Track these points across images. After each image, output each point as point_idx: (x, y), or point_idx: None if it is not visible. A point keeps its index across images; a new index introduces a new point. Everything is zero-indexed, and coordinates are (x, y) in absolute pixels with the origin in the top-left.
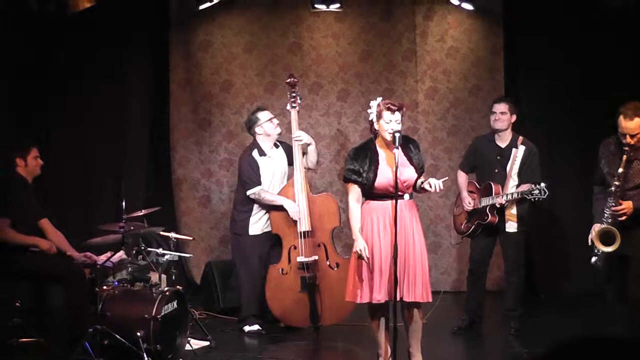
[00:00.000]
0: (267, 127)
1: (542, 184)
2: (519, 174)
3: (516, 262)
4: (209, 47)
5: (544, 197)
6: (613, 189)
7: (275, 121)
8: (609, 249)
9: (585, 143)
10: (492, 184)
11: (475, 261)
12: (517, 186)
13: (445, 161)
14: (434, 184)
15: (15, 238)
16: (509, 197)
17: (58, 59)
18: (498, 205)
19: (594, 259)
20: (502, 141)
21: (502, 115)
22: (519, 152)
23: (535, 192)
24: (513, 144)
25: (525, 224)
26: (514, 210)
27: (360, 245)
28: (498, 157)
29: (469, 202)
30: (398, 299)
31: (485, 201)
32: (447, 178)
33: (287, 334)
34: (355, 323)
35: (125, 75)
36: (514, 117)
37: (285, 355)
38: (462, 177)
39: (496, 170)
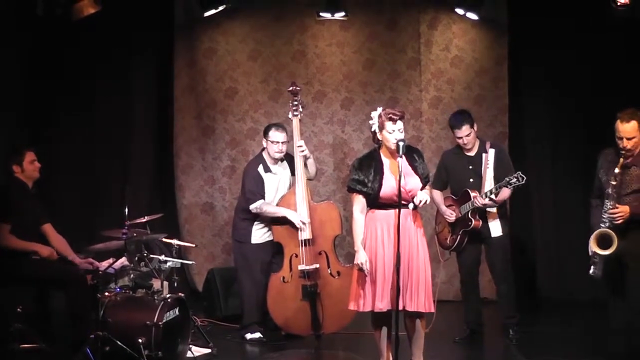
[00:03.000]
0: (270, 147)
1: (518, 172)
2: (495, 177)
3: (504, 269)
4: (214, 54)
5: (524, 182)
6: (609, 190)
7: (281, 147)
8: (607, 252)
9: (589, 152)
10: (468, 190)
11: (465, 272)
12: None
13: None
14: (420, 199)
15: (16, 245)
16: (488, 194)
17: (62, 66)
18: (479, 205)
19: (592, 269)
20: (471, 150)
21: (468, 137)
22: (489, 156)
23: (512, 180)
24: (482, 150)
25: (506, 223)
26: (494, 210)
27: (361, 258)
28: (470, 167)
29: (450, 214)
30: (401, 308)
31: (466, 207)
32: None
33: (289, 341)
34: (356, 331)
35: (130, 82)
36: (476, 127)
37: None
38: (437, 194)
39: (471, 180)
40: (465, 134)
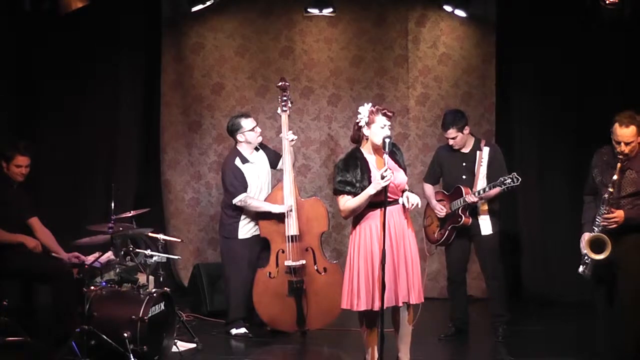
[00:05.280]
0: (249, 135)
1: (514, 173)
2: (487, 175)
3: (494, 267)
4: (201, 49)
5: (518, 183)
6: (606, 196)
7: (258, 129)
8: (600, 257)
9: (576, 150)
10: (461, 187)
11: (453, 269)
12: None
13: None
14: (412, 202)
15: (1, 236)
16: (481, 192)
17: (50, 60)
18: (470, 202)
19: (581, 268)
20: (465, 147)
21: (455, 139)
22: (484, 154)
23: (507, 180)
24: (476, 148)
25: (498, 221)
26: (485, 206)
27: (378, 178)
28: (464, 164)
29: (440, 209)
30: (401, 303)
31: (457, 203)
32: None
33: (274, 337)
34: (341, 328)
35: (117, 77)
36: (467, 129)
37: (271, 359)
38: (429, 189)
39: (464, 177)
40: (452, 136)
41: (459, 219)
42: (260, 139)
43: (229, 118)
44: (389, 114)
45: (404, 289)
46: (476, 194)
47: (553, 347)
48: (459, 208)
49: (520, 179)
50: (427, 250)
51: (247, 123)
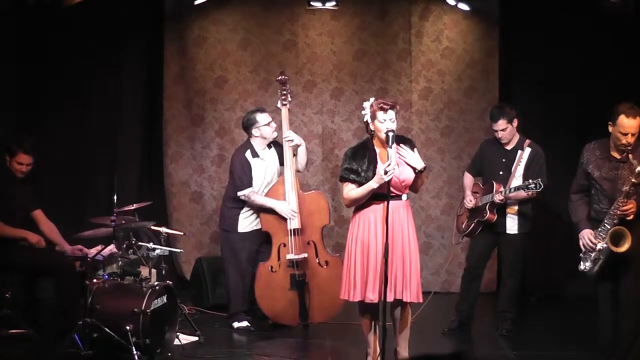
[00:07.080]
0: (264, 130)
1: (539, 179)
2: (524, 176)
3: (514, 265)
4: (204, 42)
5: (539, 189)
6: (626, 188)
7: (274, 124)
8: (622, 249)
9: (579, 145)
10: (494, 182)
11: (472, 262)
12: None
13: (437, 162)
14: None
15: (4, 231)
16: (507, 192)
17: (52, 54)
18: (497, 201)
19: (586, 264)
20: (509, 144)
21: (504, 131)
22: (524, 154)
23: (531, 185)
24: (519, 147)
25: (526, 223)
26: (515, 207)
27: (381, 171)
28: (503, 160)
29: (470, 200)
30: (392, 299)
31: (486, 198)
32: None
33: (276, 331)
34: (344, 321)
35: (119, 70)
36: (516, 122)
37: (273, 352)
38: (468, 179)
39: (500, 172)
40: (501, 128)
41: (484, 214)
42: (275, 134)
43: (240, 112)
44: (385, 107)
45: (399, 286)
46: (502, 192)
47: (555, 342)
48: (486, 203)
49: (542, 186)
50: (454, 238)
51: (262, 118)
